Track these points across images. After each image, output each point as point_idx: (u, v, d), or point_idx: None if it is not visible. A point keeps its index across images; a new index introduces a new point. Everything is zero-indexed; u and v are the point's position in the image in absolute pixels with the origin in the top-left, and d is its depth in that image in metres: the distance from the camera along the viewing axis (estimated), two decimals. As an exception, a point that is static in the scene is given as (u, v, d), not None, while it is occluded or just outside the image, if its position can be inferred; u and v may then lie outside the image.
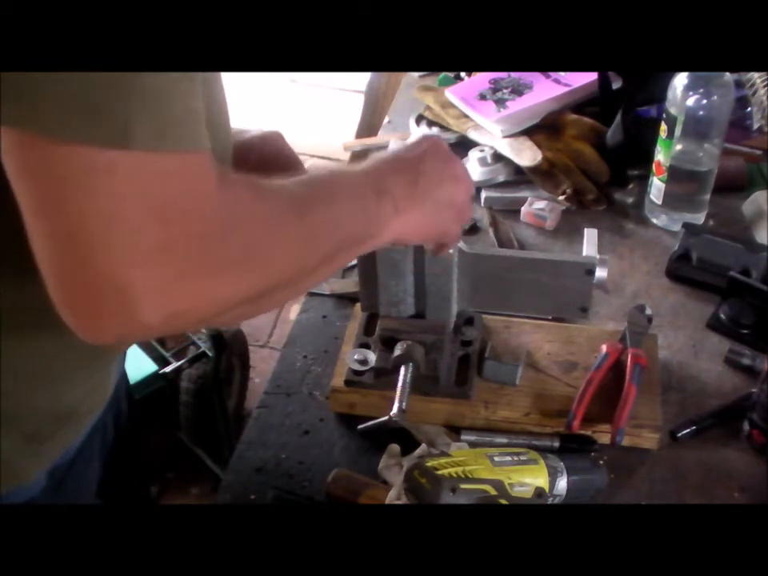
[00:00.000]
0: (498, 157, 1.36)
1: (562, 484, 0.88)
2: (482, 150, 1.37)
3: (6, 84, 0.50)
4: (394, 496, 0.87)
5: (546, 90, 1.43)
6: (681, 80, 1.20)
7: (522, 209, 1.31)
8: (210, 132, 0.70)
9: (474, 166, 1.36)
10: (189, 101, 0.55)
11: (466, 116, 1.43)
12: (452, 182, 0.82)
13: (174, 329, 0.60)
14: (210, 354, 1.95)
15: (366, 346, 1.03)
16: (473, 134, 1.40)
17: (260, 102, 3.45)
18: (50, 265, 0.55)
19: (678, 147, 1.23)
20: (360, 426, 0.99)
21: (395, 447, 0.95)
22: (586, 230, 1.01)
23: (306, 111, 3.32)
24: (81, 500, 0.92)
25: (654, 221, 1.31)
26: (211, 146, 0.58)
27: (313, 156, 2.99)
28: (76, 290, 0.55)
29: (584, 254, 0.98)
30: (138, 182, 0.53)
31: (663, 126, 1.23)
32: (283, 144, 0.90)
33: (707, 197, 1.29)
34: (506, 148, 1.35)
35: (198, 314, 0.59)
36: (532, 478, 0.86)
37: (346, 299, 1.18)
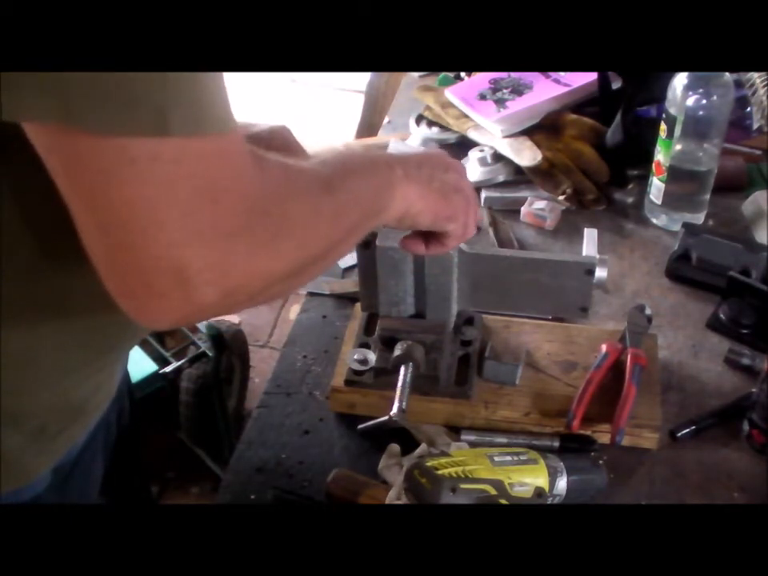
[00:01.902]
0: (497, 157, 1.36)
1: (562, 484, 0.88)
2: (481, 150, 1.37)
3: (40, 81, 0.51)
4: (394, 496, 0.87)
5: (545, 89, 1.43)
6: (681, 80, 1.20)
7: (522, 209, 1.31)
8: None
9: (474, 166, 1.36)
10: (219, 83, 0.57)
11: (466, 116, 1.43)
12: (456, 175, 0.84)
13: (230, 307, 0.62)
14: (209, 354, 1.95)
15: (366, 345, 1.03)
16: (473, 134, 1.40)
17: (260, 101, 3.45)
18: (103, 256, 0.56)
19: (678, 147, 1.23)
20: (360, 426, 0.99)
21: (395, 447, 0.95)
22: (585, 230, 1.01)
23: (306, 111, 3.33)
24: (85, 497, 0.92)
25: (654, 221, 1.31)
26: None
27: (313, 156, 2.99)
28: (132, 277, 0.56)
29: (584, 253, 0.98)
30: (181, 167, 0.54)
31: (663, 126, 1.23)
32: (291, 137, 0.91)
33: (707, 197, 1.29)
34: (506, 148, 1.35)
35: (250, 290, 0.61)
36: (532, 478, 0.86)
37: (345, 299, 1.18)
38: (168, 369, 1.99)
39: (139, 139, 0.52)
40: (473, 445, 0.96)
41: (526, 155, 1.33)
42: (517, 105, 1.41)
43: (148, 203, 0.54)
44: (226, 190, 0.57)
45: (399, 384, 0.94)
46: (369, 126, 2.05)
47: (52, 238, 0.64)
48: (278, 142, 0.89)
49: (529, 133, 1.37)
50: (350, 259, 1.21)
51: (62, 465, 0.84)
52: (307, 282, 0.80)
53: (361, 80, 2.26)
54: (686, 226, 1.25)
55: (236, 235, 0.58)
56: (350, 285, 1.17)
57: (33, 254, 0.65)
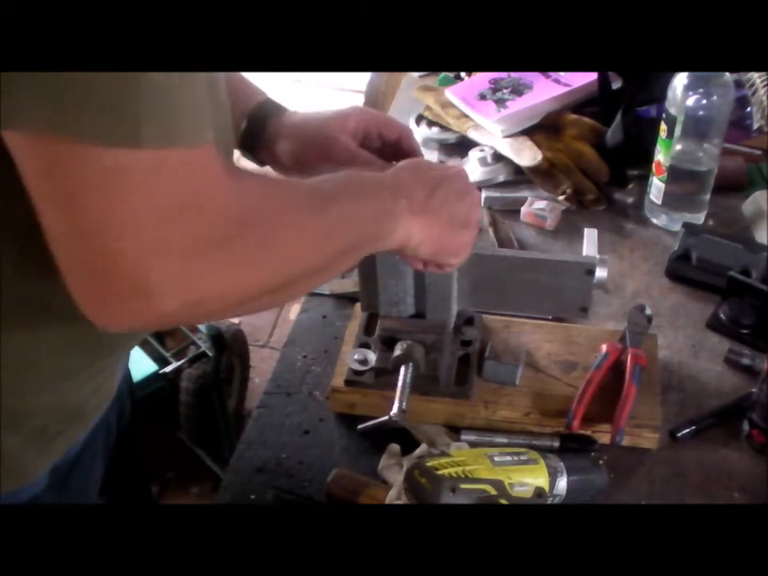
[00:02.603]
0: (498, 157, 1.36)
1: (562, 484, 0.88)
2: (482, 150, 1.37)
3: (17, 87, 0.51)
4: (394, 496, 0.87)
5: (546, 89, 1.43)
6: (681, 80, 1.20)
7: (522, 209, 1.31)
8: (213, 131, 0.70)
9: (474, 166, 1.36)
10: (194, 95, 0.57)
11: (466, 116, 1.43)
12: (470, 205, 0.83)
13: (195, 317, 0.63)
14: (209, 353, 1.94)
15: (366, 345, 1.03)
16: (473, 134, 1.40)
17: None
18: (68, 259, 0.57)
19: (678, 147, 1.23)
20: (360, 426, 0.99)
21: (395, 447, 0.95)
22: (586, 230, 1.01)
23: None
24: (84, 498, 0.92)
25: (654, 221, 1.31)
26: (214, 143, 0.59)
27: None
28: (96, 281, 0.57)
29: (584, 253, 0.98)
30: (153, 178, 0.55)
31: (663, 126, 1.23)
32: (376, 112, 0.94)
33: (707, 197, 1.29)
34: (506, 148, 1.35)
35: (220, 303, 0.61)
36: (532, 478, 0.86)
37: (346, 299, 1.18)
38: (168, 369, 1.99)
39: (112, 149, 0.53)
40: (473, 445, 0.96)
41: (526, 155, 1.33)
42: (517, 105, 1.41)
43: (120, 212, 0.54)
44: (197, 204, 0.57)
45: (399, 384, 0.94)
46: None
47: (39, 241, 0.64)
48: (366, 116, 0.91)
49: (529, 133, 1.37)
50: (350, 259, 1.21)
51: (62, 465, 0.84)
52: (297, 297, 0.79)
53: (361, 80, 2.25)
54: (686, 225, 1.25)
55: (205, 249, 0.58)
56: (350, 285, 1.17)
57: (21, 255, 0.65)
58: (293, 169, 0.93)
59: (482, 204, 1.33)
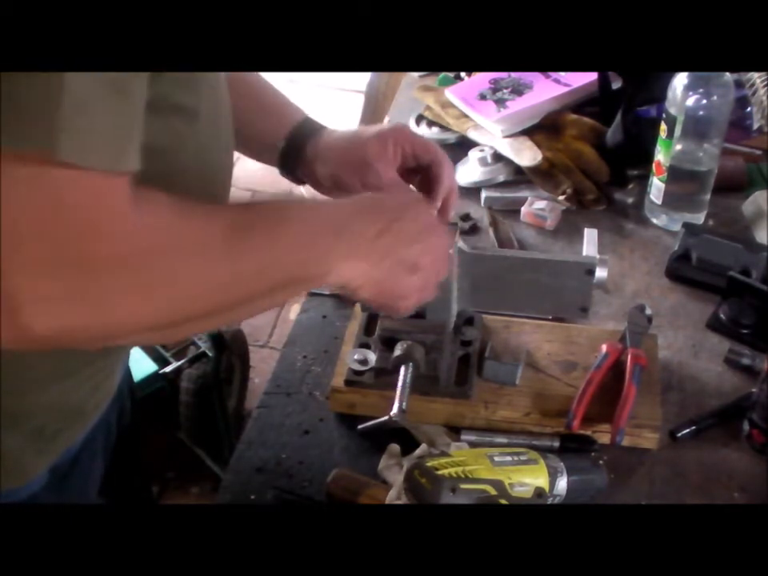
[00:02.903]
0: (498, 157, 1.36)
1: (562, 484, 0.88)
2: (482, 150, 1.37)
3: None
4: (394, 496, 0.87)
5: (546, 89, 1.43)
6: (681, 80, 1.20)
7: (522, 209, 1.31)
8: (210, 136, 0.70)
9: (474, 166, 1.36)
10: (118, 118, 0.55)
11: (466, 116, 1.43)
12: (424, 249, 0.79)
13: (69, 343, 0.60)
14: (209, 353, 1.94)
15: (366, 345, 1.03)
16: (473, 134, 1.40)
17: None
18: None
19: (678, 147, 1.23)
20: (360, 426, 0.99)
21: (395, 447, 0.95)
22: (585, 230, 1.01)
23: (306, 111, 3.32)
24: (83, 497, 0.92)
25: (654, 221, 1.31)
26: (211, 148, 0.59)
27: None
28: None
29: (584, 253, 0.98)
30: (51, 193, 0.52)
31: (663, 126, 1.23)
32: (412, 133, 0.92)
33: (707, 197, 1.29)
34: (506, 148, 1.35)
35: (101, 332, 0.58)
36: (532, 478, 0.86)
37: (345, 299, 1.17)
38: (168, 369, 1.99)
39: (24, 159, 0.51)
40: (473, 445, 0.96)
41: (526, 155, 1.33)
42: (517, 105, 1.41)
43: (11, 222, 0.52)
44: (89, 230, 0.55)
45: (399, 384, 0.94)
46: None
47: None
48: (403, 137, 0.90)
49: (529, 133, 1.37)
50: (350, 259, 1.21)
51: (61, 464, 0.84)
52: (205, 330, 0.74)
53: (361, 80, 2.26)
54: (686, 225, 1.25)
55: (84, 278, 0.55)
56: (350, 285, 1.17)
57: None
58: (331, 190, 0.92)
59: (482, 204, 1.33)
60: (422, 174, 0.91)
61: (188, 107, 0.68)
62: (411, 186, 0.93)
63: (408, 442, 0.96)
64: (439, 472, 0.81)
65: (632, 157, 1.34)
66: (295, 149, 0.92)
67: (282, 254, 0.67)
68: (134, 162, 0.56)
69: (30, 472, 0.80)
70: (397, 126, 0.92)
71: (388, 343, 0.99)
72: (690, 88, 1.19)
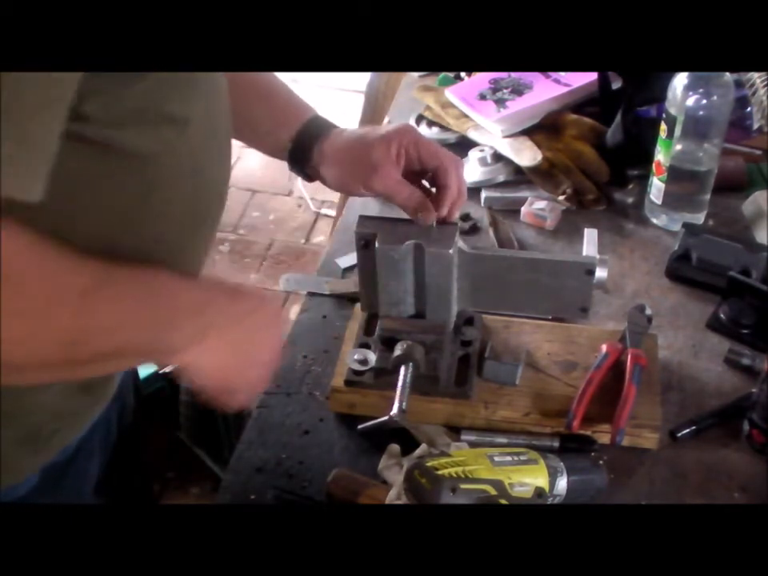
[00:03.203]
0: (497, 157, 1.36)
1: (562, 484, 0.88)
2: (482, 150, 1.37)
3: None
4: (394, 496, 0.87)
5: (546, 89, 1.43)
6: (681, 80, 1.20)
7: (522, 209, 1.31)
8: (202, 146, 0.70)
9: (474, 166, 1.36)
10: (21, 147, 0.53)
11: (466, 116, 1.43)
12: (269, 346, 0.78)
13: None
14: (210, 353, 1.94)
15: (366, 345, 1.03)
16: (473, 134, 1.40)
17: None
18: None
19: (678, 147, 1.23)
20: (360, 426, 0.99)
21: (395, 447, 0.95)
22: (585, 230, 1.01)
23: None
24: (78, 496, 0.92)
25: (654, 221, 1.31)
26: (203, 158, 0.58)
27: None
28: None
29: (584, 253, 0.98)
30: None
31: (663, 126, 1.23)
32: (419, 135, 0.92)
33: (707, 197, 1.29)
34: (506, 148, 1.35)
35: None
36: (532, 478, 0.86)
37: (345, 299, 1.17)
38: (168, 369, 1.98)
39: None
40: (473, 445, 0.96)
41: (526, 155, 1.33)
42: (517, 105, 1.41)
43: None
44: None
45: (399, 384, 0.94)
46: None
47: None
48: (407, 139, 0.90)
49: (529, 133, 1.37)
50: (350, 259, 1.21)
51: (56, 463, 0.84)
52: (30, 382, 0.69)
53: (361, 80, 2.25)
54: (686, 225, 1.25)
55: None
56: (350, 285, 1.17)
57: None
58: (339, 190, 0.93)
59: (483, 204, 1.33)
60: (431, 175, 0.92)
61: (177, 116, 0.68)
62: (420, 185, 0.93)
63: (408, 442, 0.96)
64: (439, 472, 0.81)
65: (632, 157, 1.34)
66: (303, 147, 0.92)
67: (135, 323, 0.66)
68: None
69: (25, 470, 0.80)
70: (403, 129, 0.92)
71: (388, 343, 0.99)
72: (689, 88, 1.19)
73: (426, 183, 0.94)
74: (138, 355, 0.70)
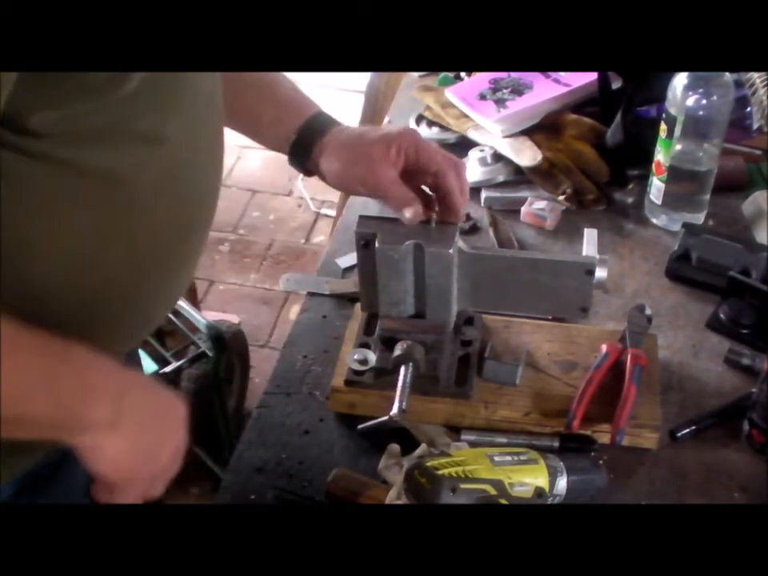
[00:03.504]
0: (497, 157, 1.36)
1: (562, 484, 0.88)
2: (482, 150, 1.37)
3: None
4: (394, 496, 0.87)
5: (546, 89, 1.43)
6: (681, 80, 1.20)
7: (522, 209, 1.31)
8: (179, 162, 0.70)
9: (474, 166, 1.36)
10: None
11: (466, 116, 1.43)
12: (177, 446, 0.78)
13: None
14: (210, 353, 1.94)
15: (366, 345, 1.03)
16: (473, 134, 1.40)
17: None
18: None
19: (678, 147, 1.23)
20: (360, 426, 0.99)
21: (395, 447, 0.95)
22: (585, 230, 1.01)
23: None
24: (70, 498, 0.91)
25: (654, 221, 1.31)
26: (181, 175, 0.58)
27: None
28: None
29: (584, 253, 0.98)
30: None
31: (663, 126, 1.23)
32: (419, 139, 0.92)
33: (707, 197, 1.29)
34: (506, 148, 1.35)
35: None
36: (532, 478, 0.86)
37: (345, 299, 1.17)
38: (168, 369, 1.98)
39: None
40: (473, 445, 0.96)
41: (526, 155, 1.33)
42: (517, 105, 1.41)
43: None
44: None
45: (399, 384, 0.94)
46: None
47: None
48: (407, 142, 0.90)
49: (529, 133, 1.37)
50: (350, 259, 1.21)
51: (41, 467, 0.83)
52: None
53: (361, 80, 2.25)
54: (686, 226, 1.25)
55: None
56: (350, 285, 1.17)
57: None
58: (336, 186, 0.94)
59: (482, 204, 1.33)
60: (432, 180, 0.92)
61: (150, 134, 0.67)
62: (419, 189, 0.94)
63: (408, 442, 0.96)
64: (439, 472, 0.81)
65: (632, 157, 1.34)
66: (306, 140, 0.93)
67: (38, 394, 0.63)
68: None
69: (15, 471, 0.80)
70: (405, 131, 0.92)
71: (388, 343, 0.99)
72: (689, 88, 1.19)
73: (426, 189, 0.94)
74: (42, 426, 0.66)
